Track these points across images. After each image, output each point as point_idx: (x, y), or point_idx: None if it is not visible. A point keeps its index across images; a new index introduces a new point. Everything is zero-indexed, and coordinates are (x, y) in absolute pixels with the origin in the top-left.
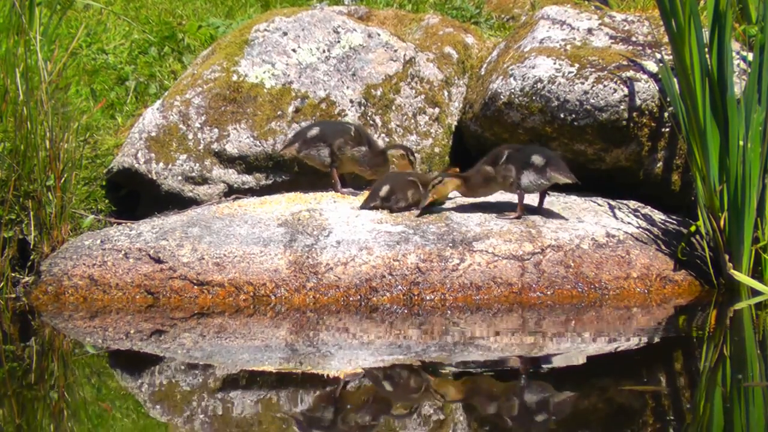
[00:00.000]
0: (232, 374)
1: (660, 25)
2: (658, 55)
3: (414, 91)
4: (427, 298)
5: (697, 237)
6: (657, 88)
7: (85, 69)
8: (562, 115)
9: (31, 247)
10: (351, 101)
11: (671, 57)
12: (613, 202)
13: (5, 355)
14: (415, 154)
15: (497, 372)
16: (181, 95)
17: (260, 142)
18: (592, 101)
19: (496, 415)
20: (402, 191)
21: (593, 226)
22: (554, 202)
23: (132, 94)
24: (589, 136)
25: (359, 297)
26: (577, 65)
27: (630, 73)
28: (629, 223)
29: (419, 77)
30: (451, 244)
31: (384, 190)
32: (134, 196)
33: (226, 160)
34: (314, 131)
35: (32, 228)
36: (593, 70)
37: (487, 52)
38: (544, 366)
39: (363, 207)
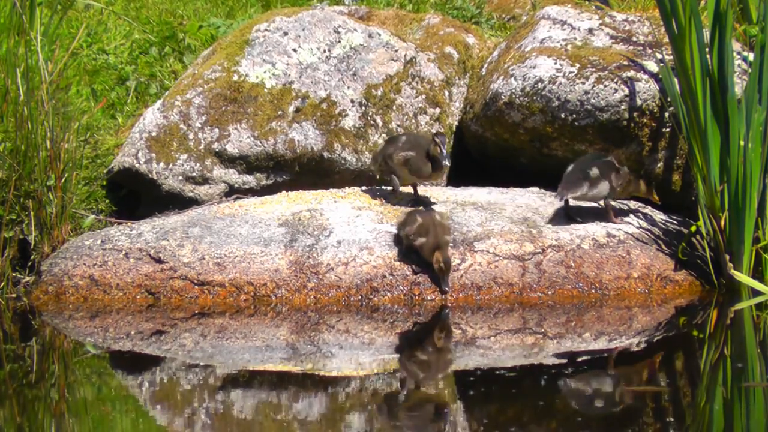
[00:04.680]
0: (233, 374)
1: (660, 25)
2: (659, 55)
3: (415, 91)
4: (428, 298)
5: (698, 237)
6: (657, 88)
7: (86, 69)
8: (562, 115)
9: (32, 247)
10: (352, 101)
11: (672, 57)
12: (613, 202)
13: (6, 355)
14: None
15: (497, 372)
16: (182, 95)
17: (261, 142)
18: (593, 101)
19: (496, 414)
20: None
21: (594, 226)
22: (555, 202)
23: (132, 94)
24: (589, 136)
25: (360, 297)
26: (577, 65)
27: (631, 73)
28: (630, 223)
29: (420, 77)
30: (452, 244)
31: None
32: (135, 196)
33: (226, 160)
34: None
35: (33, 228)
36: (594, 70)
37: (488, 52)
38: (544, 366)
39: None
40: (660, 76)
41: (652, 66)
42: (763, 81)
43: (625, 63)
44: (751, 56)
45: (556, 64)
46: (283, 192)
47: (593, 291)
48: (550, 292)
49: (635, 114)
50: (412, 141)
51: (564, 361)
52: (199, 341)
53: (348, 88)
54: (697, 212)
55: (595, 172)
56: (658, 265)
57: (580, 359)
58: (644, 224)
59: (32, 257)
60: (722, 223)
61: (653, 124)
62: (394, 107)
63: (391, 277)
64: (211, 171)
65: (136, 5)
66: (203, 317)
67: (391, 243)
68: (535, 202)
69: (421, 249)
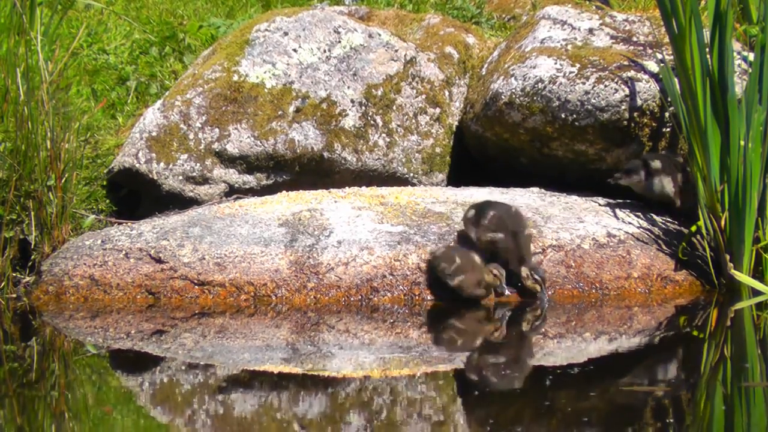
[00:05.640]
0: (233, 374)
1: (661, 25)
2: (659, 55)
3: (415, 91)
4: (428, 298)
5: (698, 237)
6: (658, 88)
7: (86, 69)
8: (563, 115)
9: (32, 247)
10: (352, 101)
11: (672, 57)
12: (613, 202)
13: (6, 355)
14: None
15: (497, 371)
16: (182, 95)
17: (261, 142)
18: (593, 101)
19: (496, 414)
20: None
21: (594, 226)
22: (555, 202)
23: (133, 94)
24: (590, 136)
25: (360, 297)
26: (578, 65)
27: (631, 73)
28: (630, 223)
29: (420, 77)
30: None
31: None
32: (135, 196)
33: (227, 160)
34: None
35: (33, 228)
36: (594, 70)
37: (488, 52)
38: (544, 366)
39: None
40: (660, 76)
41: (653, 66)
42: (763, 81)
43: (626, 63)
44: (751, 56)
45: (556, 64)
46: (283, 192)
47: (593, 291)
48: (550, 292)
49: (635, 114)
50: (499, 219)
51: (564, 361)
52: (200, 341)
53: (348, 88)
54: (697, 212)
55: (657, 164)
56: (659, 265)
57: (580, 359)
58: (644, 224)
59: (32, 257)
60: (722, 223)
61: (653, 124)
62: (394, 107)
63: (391, 277)
64: (211, 171)
65: (136, 5)
66: (203, 317)
67: (391, 243)
68: (535, 202)
69: (461, 287)
